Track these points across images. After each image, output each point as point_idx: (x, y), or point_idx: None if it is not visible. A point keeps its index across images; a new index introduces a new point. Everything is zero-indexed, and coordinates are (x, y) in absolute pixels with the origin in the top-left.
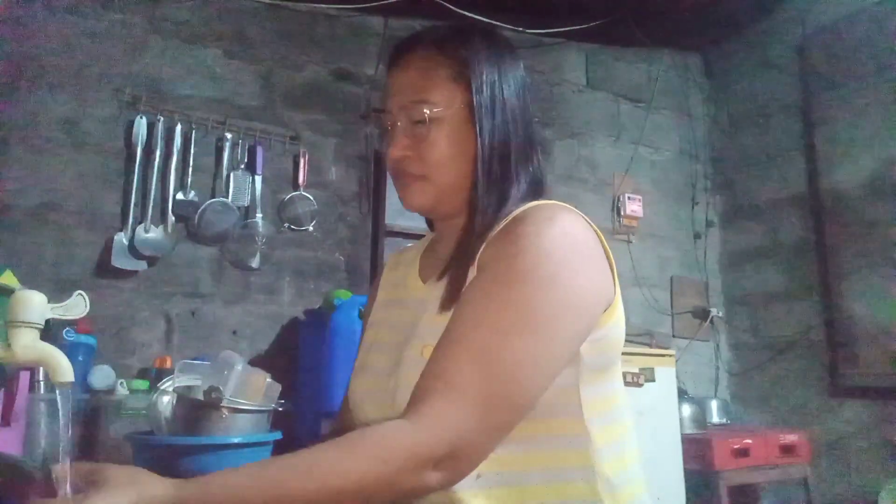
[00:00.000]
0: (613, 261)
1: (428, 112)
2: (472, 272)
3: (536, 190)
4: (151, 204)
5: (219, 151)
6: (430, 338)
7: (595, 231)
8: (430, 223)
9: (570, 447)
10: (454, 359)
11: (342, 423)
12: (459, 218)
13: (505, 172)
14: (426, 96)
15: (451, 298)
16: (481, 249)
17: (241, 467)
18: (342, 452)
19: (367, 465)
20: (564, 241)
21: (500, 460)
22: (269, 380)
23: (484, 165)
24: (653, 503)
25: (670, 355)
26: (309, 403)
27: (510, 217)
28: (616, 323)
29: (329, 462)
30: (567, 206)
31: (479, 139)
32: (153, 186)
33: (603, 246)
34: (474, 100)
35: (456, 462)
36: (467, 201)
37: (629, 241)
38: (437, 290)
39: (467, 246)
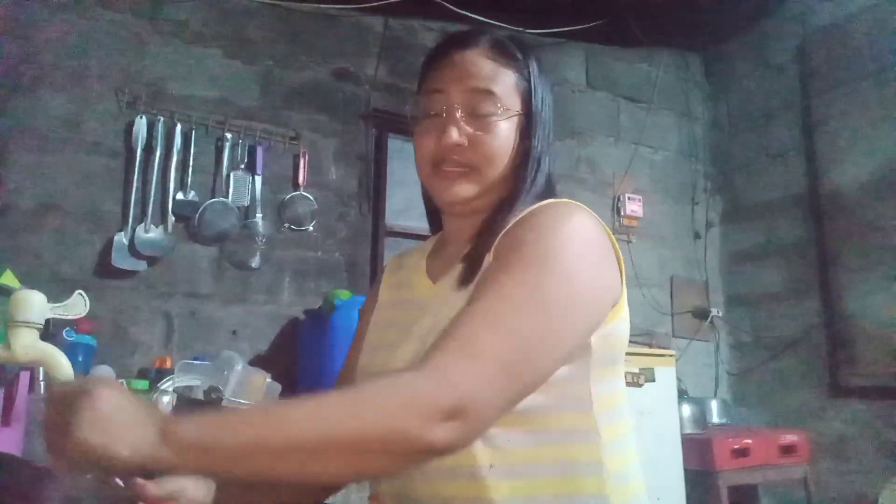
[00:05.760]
0: (622, 260)
1: (496, 105)
2: (488, 259)
3: (549, 189)
4: (151, 204)
5: (219, 151)
6: None
7: (606, 230)
8: (433, 226)
9: (580, 441)
10: (469, 325)
11: None
12: (475, 217)
13: (537, 175)
14: (494, 89)
15: (466, 276)
16: (499, 238)
17: (248, 409)
18: (348, 397)
19: (374, 407)
20: (579, 235)
21: (513, 453)
22: (269, 380)
23: (531, 170)
24: (651, 501)
25: (670, 355)
26: None
27: (526, 211)
28: (623, 319)
29: (335, 405)
30: (581, 204)
31: (533, 146)
32: (153, 186)
33: (613, 246)
34: (532, 110)
35: (463, 420)
36: (496, 199)
37: (629, 241)
38: (450, 285)
39: (484, 237)
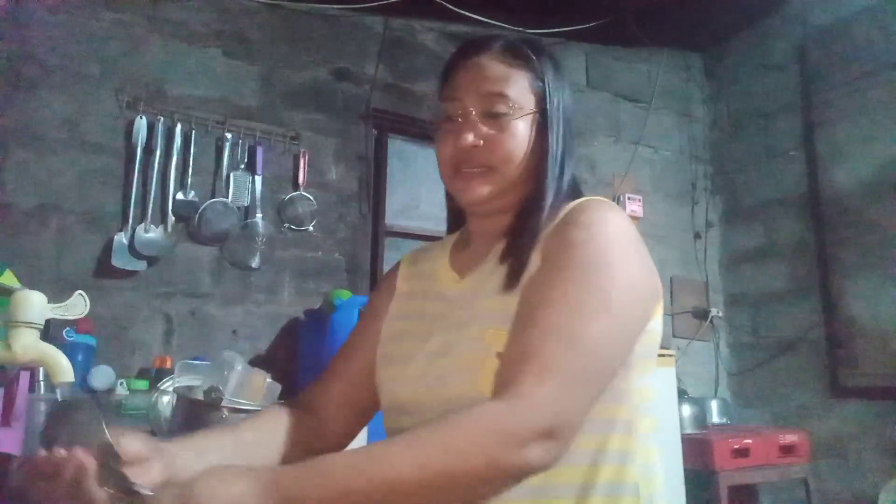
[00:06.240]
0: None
1: (509, 106)
2: (536, 259)
3: (576, 189)
4: (151, 204)
5: (219, 151)
6: (492, 322)
7: None
8: (452, 225)
9: (619, 431)
10: (541, 340)
11: (310, 401)
12: (501, 216)
13: (562, 174)
14: (506, 91)
15: (512, 280)
16: (543, 238)
17: (340, 455)
18: (442, 432)
19: (471, 443)
20: (626, 233)
21: None
22: (269, 380)
23: (552, 168)
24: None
25: (670, 355)
26: None
27: (568, 208)
28: (660, 316)
29: (431, 442)
30: (612, 202)
31: (550, 144)
32: (153, 186)
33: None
34: (547, 109)
35: (554, 440)
36: (519, 199)
37: None
38: (485, 280)
39: (524, 236)
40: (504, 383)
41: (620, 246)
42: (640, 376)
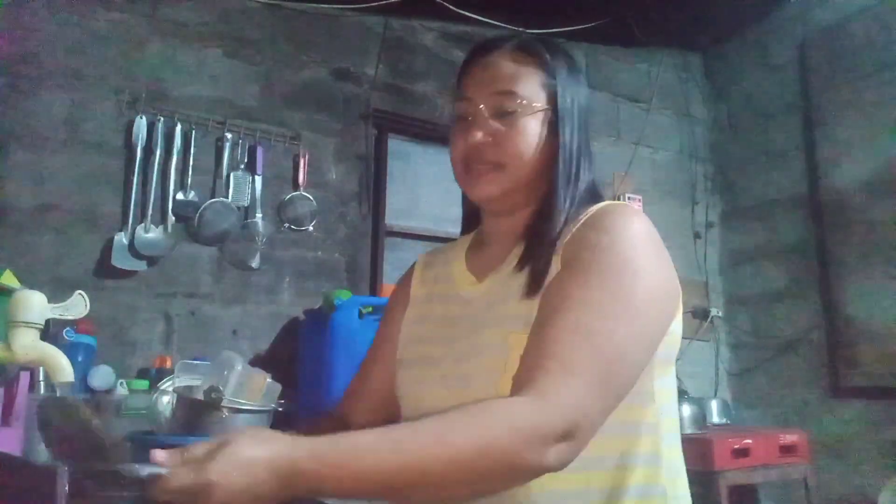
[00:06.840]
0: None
1: (518, 103)
2: (556, 264)
3: (595, 193)
4: (151, 204)
5: (219, 151)
6: (514, 325)
7: None
8: (465, 227)
9: (643, 433)
10: (564, 340)
11: (343, 414)
12: (516, 216)
13: (577, 175)
14: (516, 89)
15: (535, 286)
16: (564, 242)
17: (368, 431)
18: (471, 420)
19: (495, 433)
20: (649, 237)
21: None
22: (269, 380)
23: (564, 166)
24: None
25: None
26: (309, 403)
27: (589, 213)
28: (680, 317)
29: (459, 428)
30: (636, 208)
31: (562, 141)
32: (153, 186)
33: None
34: (559, 106)
35: (573, 439)
36: (533, 199)
37: None
38: (504, 282)
39: (542, 239)
40: (525, 381)
41: (643, 250)
42: (661, 378)
